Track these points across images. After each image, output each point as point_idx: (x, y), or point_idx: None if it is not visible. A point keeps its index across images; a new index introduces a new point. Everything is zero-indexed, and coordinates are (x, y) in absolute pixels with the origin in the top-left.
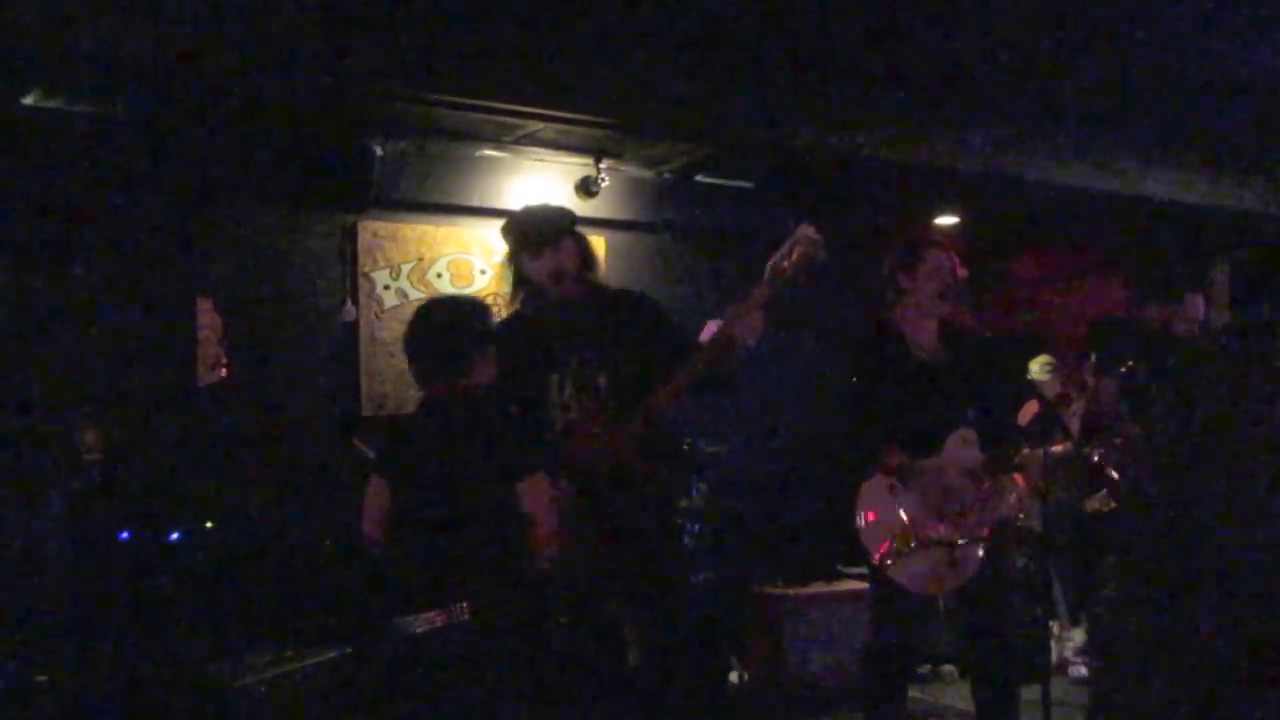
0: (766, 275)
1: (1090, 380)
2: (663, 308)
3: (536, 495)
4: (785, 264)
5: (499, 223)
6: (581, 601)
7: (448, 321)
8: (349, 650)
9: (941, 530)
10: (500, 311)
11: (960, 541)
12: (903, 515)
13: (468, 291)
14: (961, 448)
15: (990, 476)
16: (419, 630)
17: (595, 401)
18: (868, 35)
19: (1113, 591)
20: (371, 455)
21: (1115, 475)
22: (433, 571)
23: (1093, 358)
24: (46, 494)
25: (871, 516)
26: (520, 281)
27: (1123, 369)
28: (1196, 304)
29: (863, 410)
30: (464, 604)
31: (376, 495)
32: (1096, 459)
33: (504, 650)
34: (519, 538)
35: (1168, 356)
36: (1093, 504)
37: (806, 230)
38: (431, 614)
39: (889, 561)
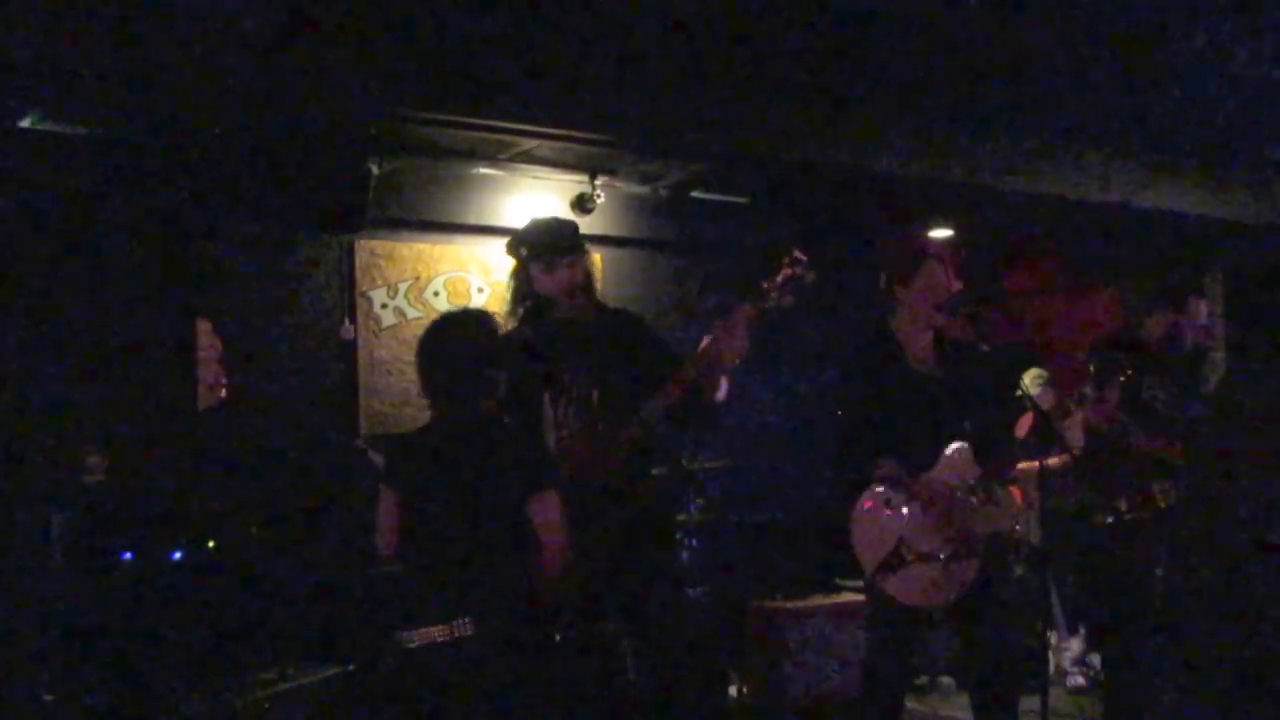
0: (753, 295)
1: (1091, 391)
2: (653, 326)
3: (547, 513)
4: (770, 285)
5: (495, 240)
6: (579, 616)
7: (460, 344)
8: (351, 666)
9: (937, 543)
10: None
11: (956, 554)
12: (898, 528)
13: None
14: (958, 460)
15: (986, 488)
16: (418, 645)
17: (586, 416)
18: (863, 51)
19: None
20: (373, 454)
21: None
22: (439, 587)
23: (1092, 368)
24: (48, 516)
25: (867, 529)
26: (527, 296)
27: (1122, 377)
28: (1200, 309)
29: (858, 422)
30: (466, 619)
31: (388, 509)
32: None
33: (503, 665)
34: (527, 555)
35: (1170, 368)
36: (1099, 518)
37: (794, 252)
38: (432, 629)
39: (884, 574)
